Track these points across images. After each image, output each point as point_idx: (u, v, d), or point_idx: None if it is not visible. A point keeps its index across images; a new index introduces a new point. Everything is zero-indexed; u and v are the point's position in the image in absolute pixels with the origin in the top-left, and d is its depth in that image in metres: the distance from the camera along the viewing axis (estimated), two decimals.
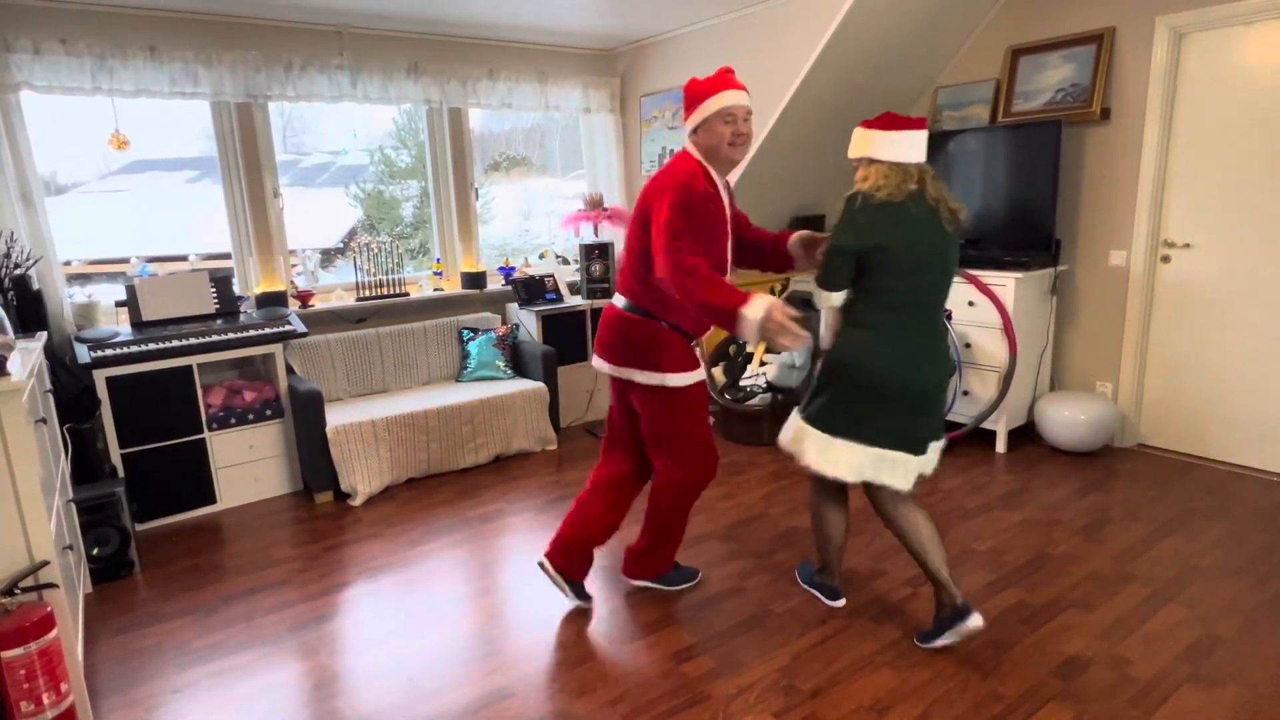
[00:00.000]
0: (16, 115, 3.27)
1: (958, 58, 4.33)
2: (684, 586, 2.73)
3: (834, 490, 2.44)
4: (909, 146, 2.15)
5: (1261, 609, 2.44)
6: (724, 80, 2.30)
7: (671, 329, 2.37)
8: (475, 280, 4.59)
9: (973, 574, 2.72)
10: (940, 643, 2.27)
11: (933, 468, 2.32)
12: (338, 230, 4.63)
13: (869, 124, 2.19)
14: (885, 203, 2.13)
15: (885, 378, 2.17)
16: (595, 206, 4.82)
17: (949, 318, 3.94)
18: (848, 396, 2.23)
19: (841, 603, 2.55)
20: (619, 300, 2.43)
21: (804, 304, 4.54)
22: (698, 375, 2.41)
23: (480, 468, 4.03)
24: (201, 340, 3.44)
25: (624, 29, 4.51)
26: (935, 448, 2.31)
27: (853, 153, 2.23)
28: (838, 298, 2.26)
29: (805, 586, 2.65)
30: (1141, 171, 3.67)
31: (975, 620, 2.17)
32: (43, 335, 2.84)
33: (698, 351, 2.48)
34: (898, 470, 2.22)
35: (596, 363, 2.51)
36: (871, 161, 2.18)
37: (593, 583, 2.76)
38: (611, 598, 2.66)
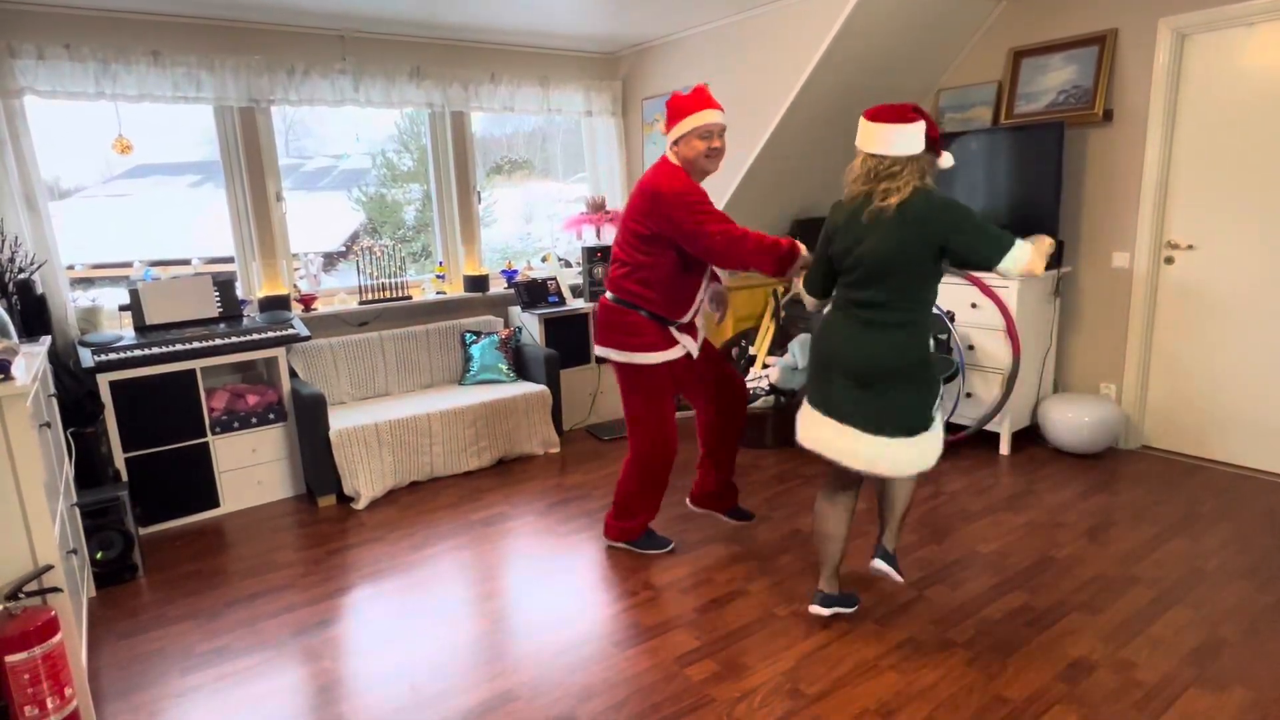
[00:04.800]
0: (21, 120, 3.28)
1: (960, 60, 4.33)
2: (653, 552, 2.99)
3: (837, 484, 2.42)
4: (878, 139, 2.12)
5: (1268, 612, 2.43)
6: (702, 100, 2.61)
7: (649, 317, 2.69)
8: (477, 283, 4.59)
9: (977, 577, 2.71)
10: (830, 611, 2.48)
11: (878, 465, 2.21)
12: (340, 234, 4.63)
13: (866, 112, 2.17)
14: (844, 200, 2.23)
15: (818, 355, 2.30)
16: (597, 209, 4.82)
17: (951, 319, 3.93)
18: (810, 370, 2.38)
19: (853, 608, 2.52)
20: (608, 294, 2.79)
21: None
22: (662, 356, 2.69)
23: (483, 471, 4.03)
24: (204, 344, 3.44)
25: (625, 32, 4.51)
26: (872, 440, 2.20)
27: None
28: (812, 303, 2.44)
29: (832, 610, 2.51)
30: (1144, 173, 3.67)
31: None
32: (46, 339, 2.84)
33: (678, 333, 2.76)
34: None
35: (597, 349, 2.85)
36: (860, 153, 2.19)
37: (597, 588, 2.76)
38: (615, 601, 2.66)
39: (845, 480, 2.38)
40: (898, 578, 2.47)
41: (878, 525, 2.56)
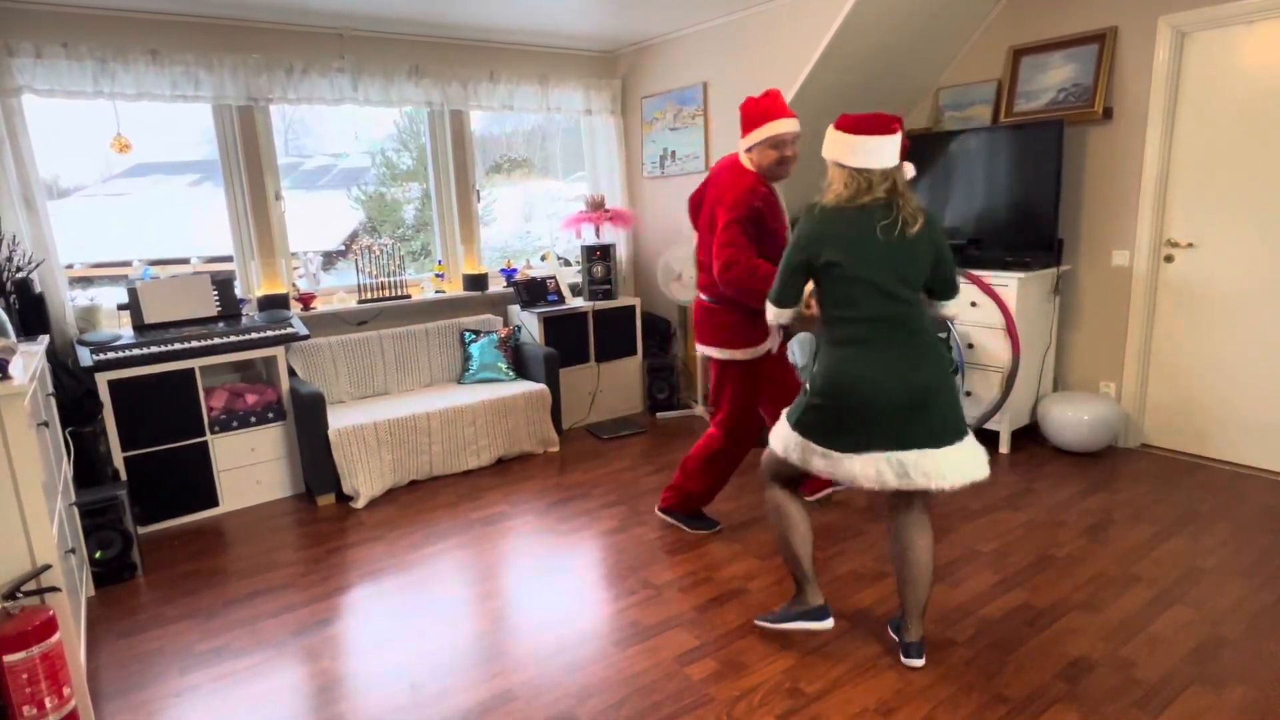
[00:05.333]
0: (19, 119, 3.27)
1: (959, 58, 4.32)
2: (700, 532, 3.13)
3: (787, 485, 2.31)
4: (871, 153, 2.01)
5: (1267, 610, 2.43)
6: (776, 108, 2.64)
7: (742, 312, 2.78)
8: (477, 282, 4.59)
9: (977, 575, 2.71)
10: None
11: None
12: (339, 233, 4.63)
13: (837, 124, 2.07)
14: (835, 211, 2.05)
15: (852, 394, 2.04)
16: (596, 208, 4.82)
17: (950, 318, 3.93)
18: (826, 412, 2.10)
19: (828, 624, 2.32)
20: (701, 295, 2.93)
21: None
22: (755, 351, 2.80)
23: (482, 470, 4.02)
24: (203, 343, 3.44)
25: (625, 31, 4.51)
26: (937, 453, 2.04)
27: (824, 152, 2.12)
28: (786, 314, 2.19)
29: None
30: (1144, 171, 3.66)
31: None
32: (45, 339, 2.84)
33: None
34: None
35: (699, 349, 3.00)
36: (837, 166, 2.07)
37: (597, 587, 2.76)
38: (615, 600, 2.65)
39: (792, 475, 2.28)
40: (918, 664, 2.22)
41: (900, 612, 2.29)
